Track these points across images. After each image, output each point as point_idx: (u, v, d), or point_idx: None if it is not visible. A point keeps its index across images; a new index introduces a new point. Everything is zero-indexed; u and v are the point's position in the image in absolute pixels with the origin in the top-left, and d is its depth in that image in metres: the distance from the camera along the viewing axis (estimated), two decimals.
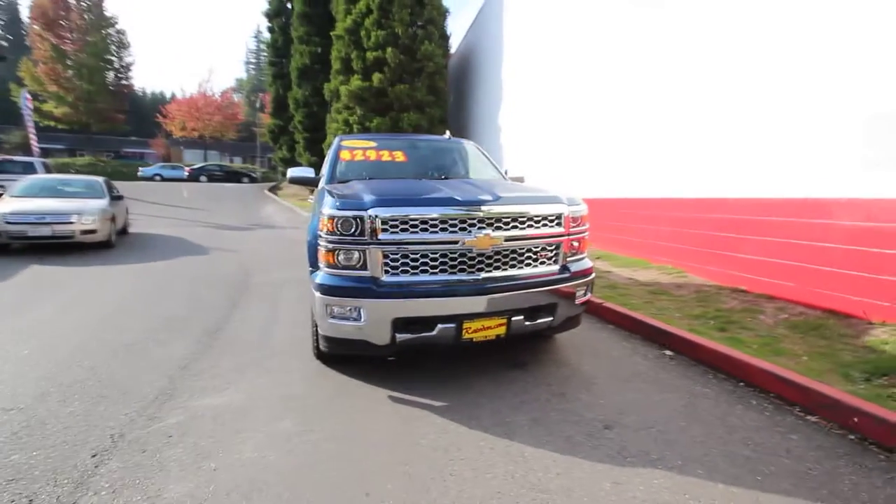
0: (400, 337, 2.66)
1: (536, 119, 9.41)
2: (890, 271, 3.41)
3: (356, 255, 2.63)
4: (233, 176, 30.19)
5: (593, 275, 3.16)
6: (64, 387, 2.84)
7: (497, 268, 2.77)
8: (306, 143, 17.42)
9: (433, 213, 2.63)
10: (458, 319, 2.66)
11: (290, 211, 16.98)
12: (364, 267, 2.63)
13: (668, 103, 5.81)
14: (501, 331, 2.79)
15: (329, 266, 2.69)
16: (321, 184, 3.86)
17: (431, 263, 2.67)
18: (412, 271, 2.67)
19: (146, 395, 2.75)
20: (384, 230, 2.60)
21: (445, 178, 3.96)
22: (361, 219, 2.60)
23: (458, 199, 2.70)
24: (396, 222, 2.61)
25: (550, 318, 2.95)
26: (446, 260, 2.68)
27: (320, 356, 3.15)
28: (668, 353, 3.41)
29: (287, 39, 18.74)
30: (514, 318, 2.79)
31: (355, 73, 13.99)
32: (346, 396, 2.75)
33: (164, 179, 28.39)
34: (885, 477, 1.96)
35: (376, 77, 13.46)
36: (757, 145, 4.63)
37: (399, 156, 4.18)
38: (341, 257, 2.66)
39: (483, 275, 2.73)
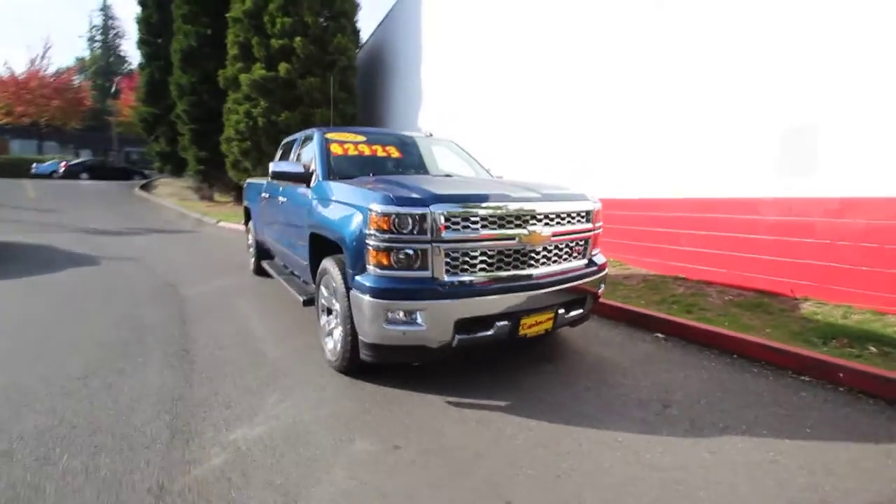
0: (459, 338, 2.56)
1: (464, 122, 9.61)
2: (808, 256, 4.24)
3: (415, 254, 2.47)
4: (120, 173, 27.15)
5: (608, 269, 3.40)
6: (29, 439, 2.17)
7: (543, 263, 2.82)
8: (193, 136, 15.33)
9: (494, 209, 2.58)
10: (516, 316, 2.66)
11: (174, 212, 14.90)
12: (424, 267, 2.48)
13: (607, 109, 6.41)
14: (549, 325, 2.86)
15: (382, 267, 2.48)
16: (316, 179, 3.51)
17: (489, 261, 2.62)
18: (471, 269, 2.59)
19: (157, 437, 2.24)
20: (447, 227, 2.48)
21: (448, 176, 3.91)
22: (423, 216, 2.44)
23: (513, 195, 2.70)
24: (458, 219, 2.50)
25: (581, 310, 3.10)
26: (502, 257, 2.66)
27: (350, 369, 2.87)
28: (660, 335, 3.81)
29: (164, 16, 16.31)
30: (559, 312, 2.87)
31: (257, 62, 12.84)
32: (402, 407, 2.56)
33: (63, 176, 25.19)
34: (885, 415, 2.47)
35: (283, 67, 12.51)
36: (688, 153, 5.38)
37: (393, 151, 3.99)
38: (397, 257, 2.47)
39: (534, 270, 2.76)
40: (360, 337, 2.65)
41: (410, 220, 2.44)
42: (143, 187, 20.64)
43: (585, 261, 3.13)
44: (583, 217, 3.04)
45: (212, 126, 14.85)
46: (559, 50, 7.10)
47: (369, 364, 2.77)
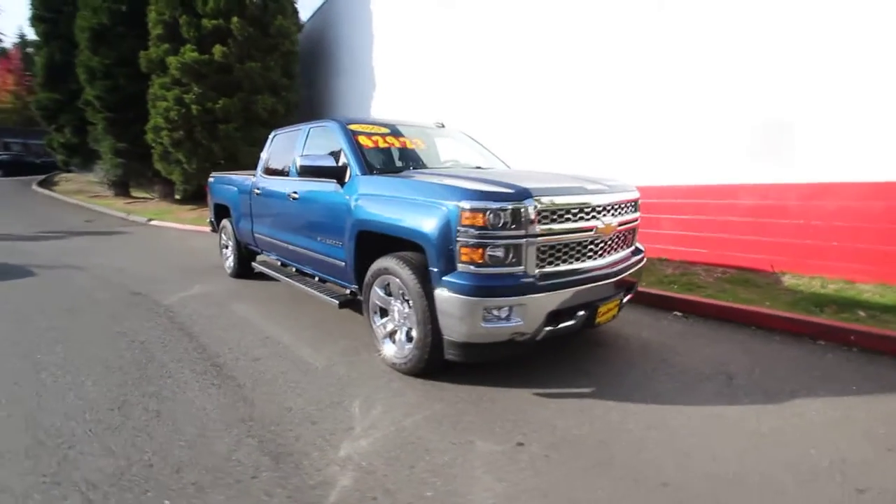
0: (546, 330, 2.58)
1: (428, 111, 9.49)
2: (784, 235, 4.78)
3: (509, 249, 2.43)
4: (41, 168, 24.77)
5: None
6: (105, 487, 1.85)
7: (609, 253, 2.92)
8: (108, 125, 13.54)
9: (578, 202, 2.62)
10: (595, 305, 2.73)
11: (91, 211, 13.19)
12: (518, 262, 2.45)
13: (591, 99, 6.67)
14: (615, 311, 2.97)
15: (476, 264, 2.42)
16: (353, 173, 3.30)
17: (571, 252, 2.66)
18: (556, 262, 2.61)
19: (258, 464, 2.01)
20: (538, 221, 2.47)
21: (478, 167, 3.87)
22: (517, 210, 2.41)
23: (588, 188, 2.75)
24: (548, 212, 2.51)
25: (631, 295, 3.26)
26: (580, 248, 2.71)
27: (427, 371, 2.77)
28: (678, 314, 4.10)
29: None
30: (622, 298, 3.00)
31: (187, 43, 11.65)
32: (494, 403, 2.53)
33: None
34: None
35: (218, 50, 11.47)
36: (669, 141, 5.78)
37: (419, 143, 3.85)
38: (492, 253, 2.41)
39: (603, 260, 2.85)
40: (447, 336, 2.57)
41: (505, 216, 2.40)
42: (42, 184, 17.95)
43: (633, 248, 3.28)
44: (633, 207, 3.18)
45: (131, 114, 13.27)
46: (540, 43, 7.24)
47: (445, 364, 2.71)
